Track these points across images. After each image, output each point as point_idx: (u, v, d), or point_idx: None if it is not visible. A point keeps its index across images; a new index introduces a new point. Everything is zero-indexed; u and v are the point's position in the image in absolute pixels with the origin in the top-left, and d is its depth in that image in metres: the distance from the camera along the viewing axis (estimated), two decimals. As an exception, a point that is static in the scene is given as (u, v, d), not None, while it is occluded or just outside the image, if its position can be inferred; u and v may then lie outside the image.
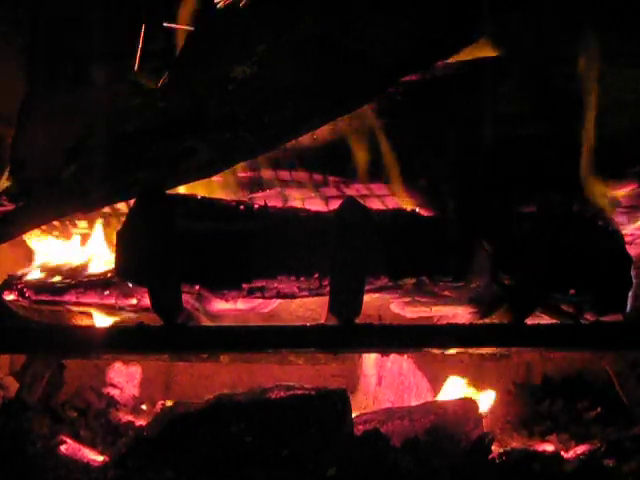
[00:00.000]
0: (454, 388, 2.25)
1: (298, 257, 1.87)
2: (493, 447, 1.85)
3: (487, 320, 1.99)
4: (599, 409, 2.14)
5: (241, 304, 2.01)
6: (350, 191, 2.13)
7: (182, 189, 2.04)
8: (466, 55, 2.07)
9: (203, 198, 1.96)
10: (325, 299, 1.88)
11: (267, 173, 2.15)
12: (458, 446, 1.83)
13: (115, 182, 1.94)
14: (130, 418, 2.22)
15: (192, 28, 2.13)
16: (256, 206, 1.94)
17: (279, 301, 2.05)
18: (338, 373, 2.50)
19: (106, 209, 2.21)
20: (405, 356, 2.23)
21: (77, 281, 2.06)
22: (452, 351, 2.00)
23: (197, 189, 2.07)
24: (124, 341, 1.94)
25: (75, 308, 2.09)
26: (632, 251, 1.95)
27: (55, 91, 2.27)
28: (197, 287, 1.90)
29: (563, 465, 1.80)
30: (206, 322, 2.00)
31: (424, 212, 2.04)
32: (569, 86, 2.04)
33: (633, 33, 2.08)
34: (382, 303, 2.13)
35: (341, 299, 1.85)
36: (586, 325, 1.94)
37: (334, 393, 1.87)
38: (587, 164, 2.00)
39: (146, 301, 1.94)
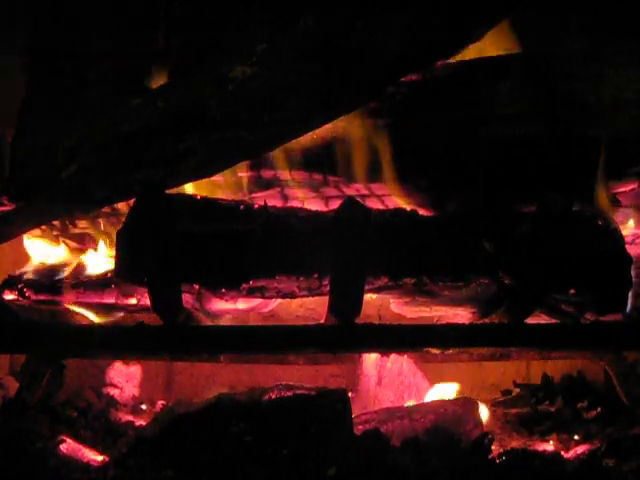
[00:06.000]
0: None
1: (298, 257, 1.87)
2: (493, 447, 1.85)
3: (487, 320, 1.99)
4: (599, 409, 2.14)
5: (241, 304, 2.01)
6: (350, 191, 2.14)
7: (182, 189, 2.04)
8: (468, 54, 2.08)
9: (203, 198, 1.96)
10: (325, 299, 1.88)
11: (267, 173, 2.16)
12: (458, 446, 1.83)
13: (115, 182, 1.94)
14: (130, 418, 2.22)
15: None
16: (256, 206, 1.94)
17: (279, 301, 2.05)
18: (338, 373, 2.51)
19: (106, 209, 2.21)
20: (405, 356, 2.23)
21: (77, 281, 2.06)
22: (452, 351, 2.00)
23: (197, 189, 2.07)
24: (124, 341, 1.94)
25: (75, 308, 2.10)
26: (632, 251, 1.95)
27: (55, 91, 2.27)
28: (197, 287, 1.90)
29: (563, 465, 1.79)
30: (206, 322, 2.00)
31: (424, 212, 2.04)
32: (569, 86, 2.04)
33: (633, 32, 2.08)
34: (382, 303, 2.13)
35: (341, 299, 1.85)
36: (586, 325, 1.94)
37: (334, 393, 1.87)
38: (587, 164, 2.00)
39: (146, 301, 1.95)
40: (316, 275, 1.87)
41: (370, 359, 2.26)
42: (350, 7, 1.87)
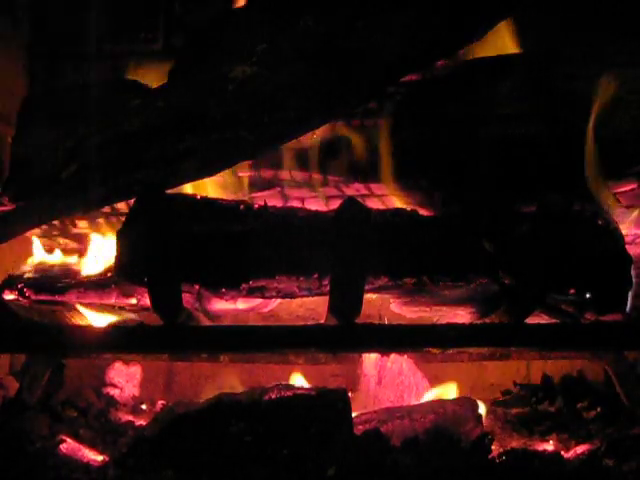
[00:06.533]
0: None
1: (298, 257, 1.87)
2: (493, 447, 1.85)
3: (487, 320, 1.99)
4: (599, 409, 2.14)
5: (241, 304, 2.01)
6: (350, 191, 2.14)
7: (182, 189, 2.04)
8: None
9: (203, 198, 1.96)
10: (325, 299, 1.88)
11: (267, 173, 2.16)
12: (458, 446, 1.83)
13: (115, 182, 1.94)
14: (130, 418, 2.23)
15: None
16: (256, 206, 1.94)
17: (279, 301, 2.05)
18: (338, 373, 2.50)
19: (106, 209, 2.21)
20: (405, 356, 2.23)
21: (77, 281, 2.06)
22: (452, 351, 2.00)
23: (197, 189, 2.07)
24: (124, 341, 1.94)
25: (75, 308, 2.09)
26: (632, 251, 1.95)
27: (55, 91, 2.27)
28: (197, 287, 1.90)
29: (563, 465, 1.79)
30: (206, 322, 2.00)
31: (424, 212, 2.04)
32: (569, 86, 2.04)
33: (633, 32, 2.08)
34: (382, 303, 2.13)
35: (341, 299, 1.85)
36: (586, 325, 1.94)
37: (334, 393, 1.87)
38: (587, 164, 2.00)
39: (146, 301, 1.95)
40: (316, 275, 1.87)
41: (370, 359, 2.26)
42: (350, 7, 1.87)
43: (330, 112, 1.94)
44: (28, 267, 2.18)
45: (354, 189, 2.14)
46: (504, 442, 2.03)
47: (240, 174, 2.16)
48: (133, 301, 2.04)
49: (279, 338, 1.89)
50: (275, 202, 2.10)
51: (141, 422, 2.14)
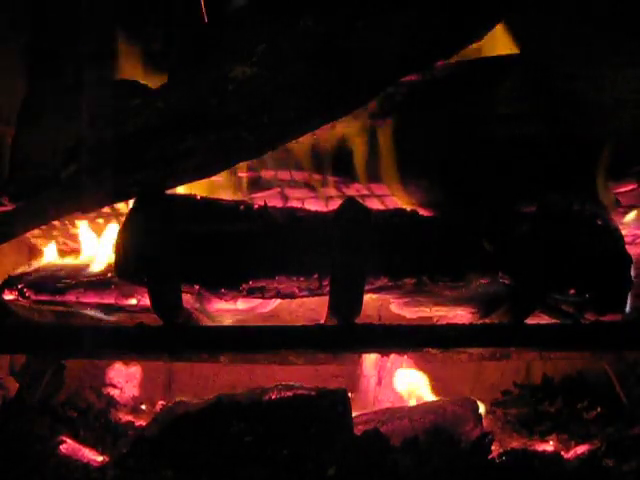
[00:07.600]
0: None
1: (298, 257, 1.87)
2: (493, 447, 1.85)
3: (487, 320, 1.99)
4: (599, 409, 2.14)
5: (241, 304, 2.01)
6: (350, 191, 2.14)
7: (182, 189, 2.04)
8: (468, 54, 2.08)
9: (203, 198, 1.96)
10: (325, 299, 1.88)
11: (267, 173, 2.16)
12: (458, 446, 1.83)
13: (115, 182, 1.94)
14: (130, 418, 2.23)
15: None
16: (256, 206, 1.94)
17: (279, 301, 2.05)
18: (338, 373, 2.50)
19: (106, 209, 2.21)
20: (405, 356, 2.23)
21: (77, 281, 2.06)
22: (452, 351, 2.00)
23: (197, 189, 2.07)
24: (124, 341, 1.94)
25: (75, 308, 2.10)
26: (632, 251, 1.95)
27: (55, 91, 2.27)
28: (197, 287, 1.90)
29: (563, 465, 1.80)
30: (206, 322, 2.00)
31: (424, 212, 2.04)
32: (569, 86, 2.04)
33: (633, 32, 2.08)
34: (382, 303, 2.13)
35: (341, 299, 1.85)
36: (586, 325, 1.94)
37: (334, 393, 1.87)
38: (587, 164, 2.00)
39: (146, 301, 1.95)
40: (316, 275, 1.87)
41: (370, 359, 2.26)
42: (350, 7, 1.87)
43: (330, 112, 1.94)
44: (28, 267, 2.18)
45: (354, 189, 2.14)
46: (504, 442, 2.03)
47: (240, 174, 2.16)
48: (133, 301, 2.04)
49: (279, 338, 1.89)
50: (275, 202, 2.10)
51: (141, 422, 2.14)
